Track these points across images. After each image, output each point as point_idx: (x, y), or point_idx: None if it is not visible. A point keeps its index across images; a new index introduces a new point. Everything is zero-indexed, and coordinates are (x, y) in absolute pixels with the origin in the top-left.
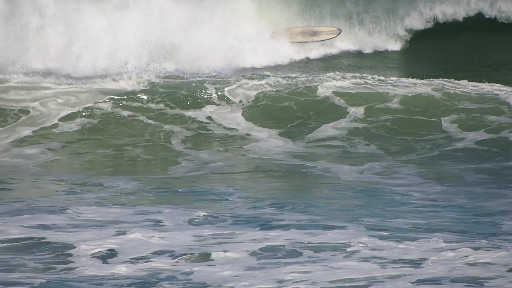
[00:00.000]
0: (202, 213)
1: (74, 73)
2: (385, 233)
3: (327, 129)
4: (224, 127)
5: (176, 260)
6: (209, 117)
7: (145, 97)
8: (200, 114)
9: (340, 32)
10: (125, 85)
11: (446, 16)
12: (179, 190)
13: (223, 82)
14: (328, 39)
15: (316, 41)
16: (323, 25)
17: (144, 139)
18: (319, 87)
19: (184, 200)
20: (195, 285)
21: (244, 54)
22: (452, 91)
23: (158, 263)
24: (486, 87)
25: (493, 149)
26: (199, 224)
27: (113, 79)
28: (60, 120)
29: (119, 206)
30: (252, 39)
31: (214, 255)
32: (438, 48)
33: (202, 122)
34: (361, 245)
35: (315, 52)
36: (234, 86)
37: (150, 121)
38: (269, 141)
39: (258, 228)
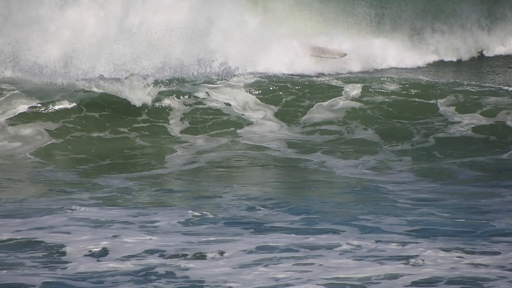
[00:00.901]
0: (196, 213)
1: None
2: (380, 233)
3: (323, 111)
4: (221, 103)
5: (171, 259)
6: (207, 93)
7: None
8: (199, 89)
9: (345, 55)
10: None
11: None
12: (173, 189)
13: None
14: (333, 57)
15: (321, 57)
16: (332, 48)
17: (141, 118)
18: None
19: (179, 200)
20: (192, 283)
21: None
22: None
23: (154, 262)
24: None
25: (491, 137)
26: (194, 225)
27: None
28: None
29: (114, 207)
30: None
31: (209, 254)
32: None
33: (198, 97)
34: (355, 244)
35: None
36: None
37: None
38: (264, 125)
39: (253, 229)
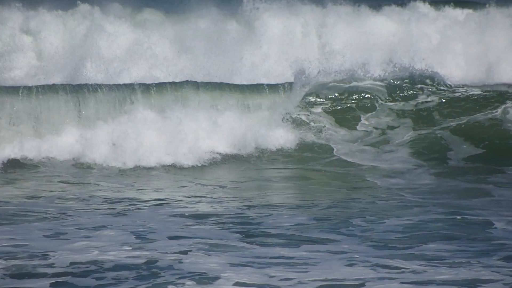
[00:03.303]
0: (191, 214)
1: None
2: (375, 234)
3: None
4: None
5: (170, 256)
6: None
7: None
8: None
9: None
10: None
11: None
12: (168, 189)
13: None
14: None
15: None
16: None
17: None
18: None
19: (174, 198)
20: (192, 274)
21: None
22: None
23: (153, 258)
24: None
25: (488, 93)
26: (190, 225)
27: None
28: None
29: (109, 209)
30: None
31: (205, 253)
32: None
33: None
34: (350, 246)
35: None
36: None
37: None
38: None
39: (248, 228)
